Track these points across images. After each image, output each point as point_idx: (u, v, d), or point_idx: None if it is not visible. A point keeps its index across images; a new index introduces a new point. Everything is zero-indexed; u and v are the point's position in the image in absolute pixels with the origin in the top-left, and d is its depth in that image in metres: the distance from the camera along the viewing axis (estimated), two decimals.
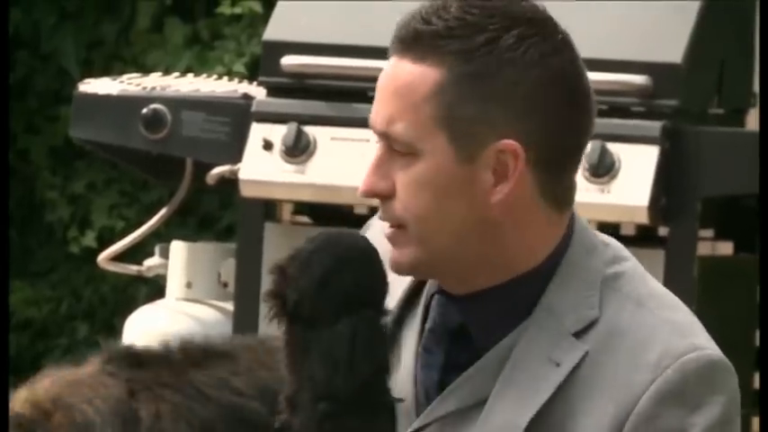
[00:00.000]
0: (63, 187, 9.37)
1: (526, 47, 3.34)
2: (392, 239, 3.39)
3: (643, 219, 7.44)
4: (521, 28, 3.36)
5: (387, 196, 3.34)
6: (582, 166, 6.97)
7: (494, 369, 3.44)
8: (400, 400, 3.43)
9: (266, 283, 6.25)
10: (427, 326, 3.47)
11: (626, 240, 7.48)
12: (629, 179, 7.48)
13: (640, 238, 8.03)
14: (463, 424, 3.47)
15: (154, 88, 7.18)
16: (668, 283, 7.10)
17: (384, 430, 3.48)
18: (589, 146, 7.06)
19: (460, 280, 3.44)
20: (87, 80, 7.74)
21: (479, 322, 3.47)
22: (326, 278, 3.43)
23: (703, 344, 3.27)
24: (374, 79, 6.62)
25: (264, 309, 3.41)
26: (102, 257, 7.28)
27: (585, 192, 7.92)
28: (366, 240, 3.54)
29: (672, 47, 7.36)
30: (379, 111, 3.30)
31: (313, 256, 3.40)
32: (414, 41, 3.28)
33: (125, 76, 7.69)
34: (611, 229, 7.92)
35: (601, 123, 7.21)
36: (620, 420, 3.34)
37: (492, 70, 3.32)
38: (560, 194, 3.40)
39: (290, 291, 3.37)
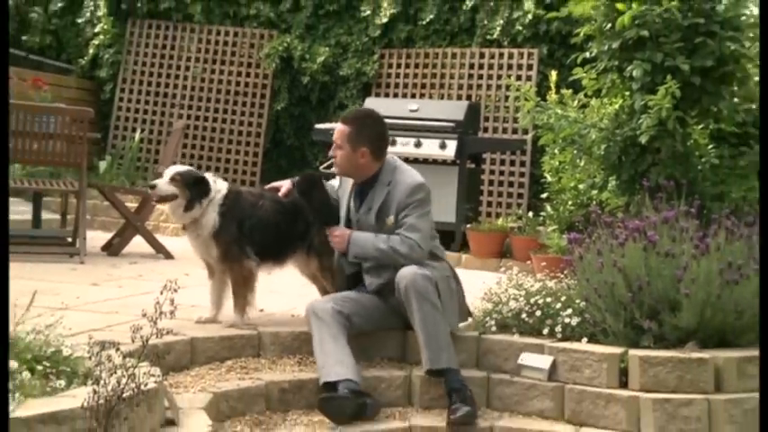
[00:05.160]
0: (309, 148, 9.09)
1: (373, 122, 3.97)
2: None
3: (452, 158, 7.37)
4: (366, 114, 4.11)
5: (335, 156, 3.93)
6: (438, 145, 7.41)
7: (375, 198, 3.93)
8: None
9: None
10: (350, 194, 4.02)
11: (447, 164, 7.51)
12: (450, 148, 7.37)
13: (450, 164, 7.44)
14: (367, 216, 3.97)
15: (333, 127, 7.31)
16: (460, 178, 7.41)
17: (335, 219, 3.97)
18: (440, 140, 7.35)
19: (355, 178, 3.96)
20: (317, 125, 7.82)
21: (362, 189, 3.97)
22: (308, 185, 3.97)
23: (421, 179, 3.97)
24: (388, 125, 6.69)
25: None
26: (321, 167, 7.09)
27: (439, 152, 7.43)
28: (317, 174, 4.26)
29: (459, 114, 7.50)
30: (336, 134, 3.94)
31: (304, 178, 4.01)
32: (345, 120, 3.94)
33: (326, 124, 7.79)
34: (443, 160, 7.49)
35: (442, 134, 7.32)
36: (399, 205, 3.88)
37: (360, 129, 3.90)
38: (378, 155, 3.92)
39: (299, 187, 3.96)
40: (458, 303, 4.00)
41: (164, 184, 4.07)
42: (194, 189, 4.02)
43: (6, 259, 2.80)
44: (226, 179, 4.38)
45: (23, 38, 10.05)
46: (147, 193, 6.81)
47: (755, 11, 5.03)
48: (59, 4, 10.05)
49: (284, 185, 4.15)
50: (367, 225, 3.94)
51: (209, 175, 4.14)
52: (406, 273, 3.73)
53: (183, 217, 4.07)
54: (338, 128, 3.91)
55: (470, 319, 4.15)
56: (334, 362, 3.60)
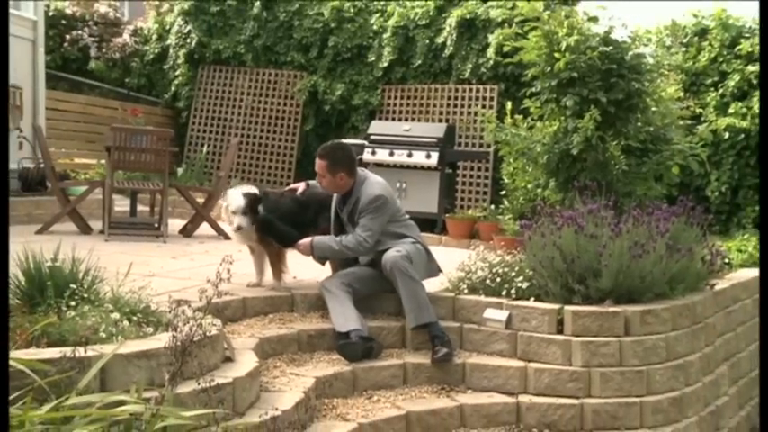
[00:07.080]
0: None
1: (341, 151, 3.64)
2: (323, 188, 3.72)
3: (434, 165, 7.12)
4: (335, 147, 3.67)
5: (321, 183, 3.73)
6: (425, 155, 6.96)
7: (350, 204, 3.73)
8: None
9: None
10: (337, 200, 3.82)
11: (431, 169, 7.05)
12: (433, 158, 7.12)
13: (433, 169, 7.08)
14: (348, 216, 3.77)
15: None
16: (441, 180, 6.99)
17: (320, 221, 3.80)
18: (426, 152, 7.03)
19: (339, 193, 3.76)
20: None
21: (344, 197, 3.76)
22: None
23: (379, 191, 3.66)
24: (388, 141, 6.90)
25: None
26: None
27: (425, 161, 7.09)
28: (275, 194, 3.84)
29: (440, 133, 7.25)
30: (317, 167, 3.67)
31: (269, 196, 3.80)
32: (320, 155, 3.67)
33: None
34: (429, 167, 7.12)
35: (428, 148, 7.01)
36: (361, 210, 3.66)
37: (333, 161, 3.65)
38: (351, 173, 3.69)
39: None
40: (426, 260, 3.86)
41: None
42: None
43: (6, 258, 2.53)
44: (268, 182, 4.24)
45: (126, 80, 10.24)
46: (211, 191, 6.79)
47: (651, 60, 5.05)
48: (151, 56, 10.26)
49: (300, 186, 3.98)
50: (347, 222, 3.82)
51: (250, 187, 3.94)
52: (389, 256, 3.61)
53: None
54: (317, 162, 3.69)
55: (444, 277, 4.05)
56: (344, 319, 3.55)
